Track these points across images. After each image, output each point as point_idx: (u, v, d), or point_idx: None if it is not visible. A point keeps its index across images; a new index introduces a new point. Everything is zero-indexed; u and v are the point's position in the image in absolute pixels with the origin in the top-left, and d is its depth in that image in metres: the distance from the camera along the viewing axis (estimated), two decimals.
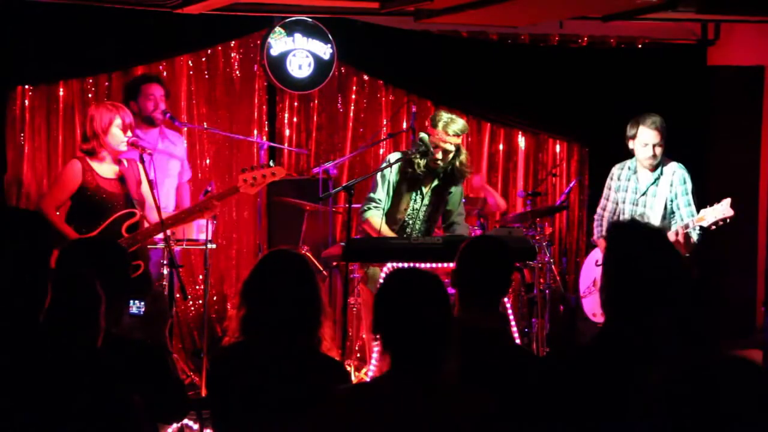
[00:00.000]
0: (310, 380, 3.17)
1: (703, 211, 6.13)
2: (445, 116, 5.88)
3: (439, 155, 5.84)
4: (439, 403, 2.70)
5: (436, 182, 6.00)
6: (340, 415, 2.72)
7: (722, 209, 6.03)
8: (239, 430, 3.32)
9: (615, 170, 6.49)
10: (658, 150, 6.21)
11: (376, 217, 5.90)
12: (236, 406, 3.30)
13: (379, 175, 5.95)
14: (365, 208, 5.94)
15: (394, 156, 6.00)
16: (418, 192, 5.98)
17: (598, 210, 6.59)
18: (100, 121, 5.48)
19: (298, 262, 3.44)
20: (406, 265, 5.52)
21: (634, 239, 2.83)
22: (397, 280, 2.92)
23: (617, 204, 6.43)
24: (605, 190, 6.54)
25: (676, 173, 6.29)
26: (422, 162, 5.86)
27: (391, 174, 5.93)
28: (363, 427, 2.68)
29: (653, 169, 6.26)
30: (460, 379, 2.80)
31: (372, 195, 5.95)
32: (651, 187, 6.28)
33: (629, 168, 6.38)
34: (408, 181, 5.94)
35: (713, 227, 6.10)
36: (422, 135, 5.91)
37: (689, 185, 6.30)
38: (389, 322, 2.80)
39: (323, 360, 3.32)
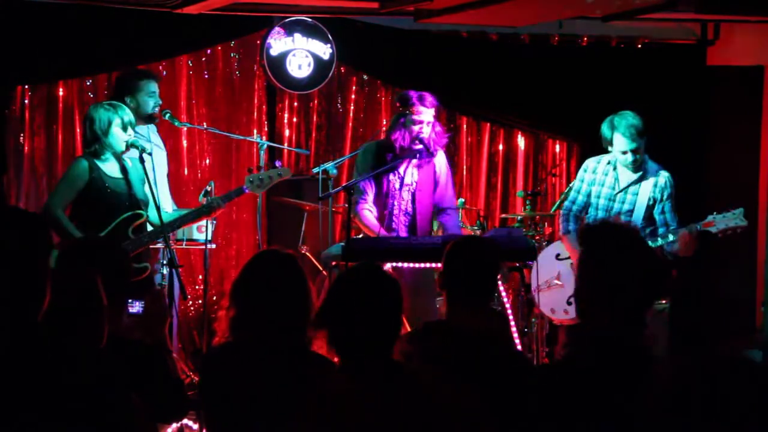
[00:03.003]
0: (299, 379, 3.16)
1: (712, 216, 5.96)
2: (415, 92, 6.02)
3: (420, 128, 5.91)
4: (387, 392, 2.70)
5: (414, 161, 6.01)
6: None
7: (736, 218, 5.90)
8: (231, 429, 3.32)
9: (591, 163, 6.25)
10: (639, 154, 6.03)
11: (362, 211, 5.95)
12: (227, 405, 3.30)
13: (356, 166, 6.06)
14: (355, 202, 5.91)
15: (370, 144, 6.12)
16: (396, 173, 6.00)
17: (567, 203, 6.32)
18: (99, 123, 5.45)
19: (288, 262, 3.44)
20: (407, 265, 5.53)
21: (614, 240, 2.82)
22: (341, 277, 2.99)
23: (589, 198, 6.19)
24: (577, 183, 6.28)
25: (662, 175, 6.13)
26: (400, 141, 5.90)
27: (367, 162, 5.96)
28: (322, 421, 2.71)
29: (637, 170, 6.11)
30: (415, 368, 2.81)
31: (354, 185, 5.93)
32: (632, 185, 6.10)
33: (608, 162, 6.16)
34: (386, 164, 5.96)
35: (721, 235, 5.96)
36: (399, 97, 6.06)
37: (673, 191, 6.15)
38: (333, 316, 2.84)
39: (314, 358, 3.32)
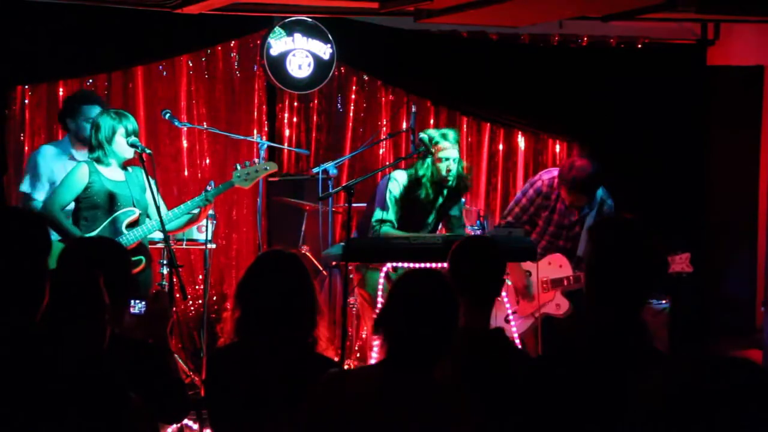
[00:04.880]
0: (305, 380, 3.17)
1: None
2: (436, 131, 5.98)
3: (449, 166, 5.88)
4: (427, 402, 2.70)
5: (440, 201, 6.02)
6: (322, 397, 2.75)
7: (682, 263, 5.85)
8: (236, 430, 3.32)
9: (545, 188, 6.18)
10: (581, 202, 6.06)
11: (391, 230, 5.88)
12: (232, 406, 3.30)
13: (388, 195, 5.93)
14: (377, 228, 5.88)
15: (400, 175, 5.99)
16: (424, 213, 5.99)
17: (510, 220, 6.27)
18: (104, 131, 5.51)
19: (292, 262, 3.44)
20: (406, 265, 5.53)
21: (636, 235, 2.88)
22: (409, 279, 2.97)
23: (532, 217, 6.18)
24: (525, 201, 6.23)
25: (606, 204, 6.14)
26: (429, 178, 5.87)
27: (399, 192, 5.93)
28: (343, 414, 2.71)
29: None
30: (454, 381, 2.82)
31: (384, 216, 5.86)
32: (580, 219, 6.11)
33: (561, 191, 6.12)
34: (415, 203, 5.94)
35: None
36: (421, 135, 5.95)
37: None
38: (395, 319, 2.83)
39: (318, 360, 3.32)
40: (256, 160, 5.99)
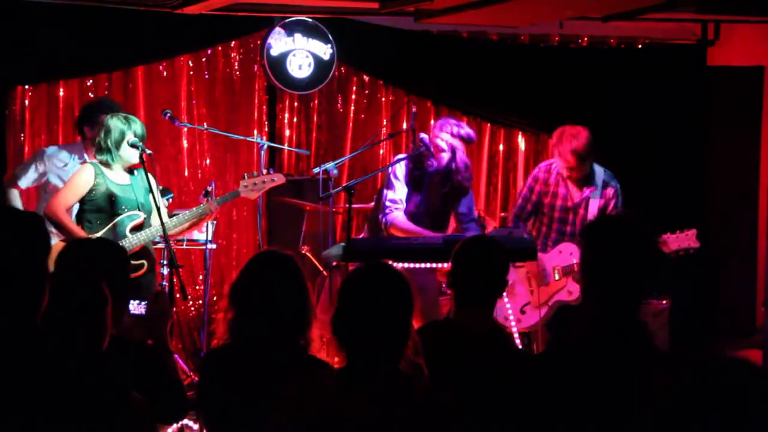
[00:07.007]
0: (297, 381, 3.15)
1: (665, 236, 5.87)
2: (451, 120, 6.04)
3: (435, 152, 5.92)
4: (391, 399, 2.67)
5: (439, 185, 6.03)
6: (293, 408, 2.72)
7: (688, 239, 5.82)
8: (228, 431, 3.31)
9: (541, 174, 6.20)
10: (581, 174, 6.05)
11: (400, 217, 5.92)
12: (225, 407, 3.30)
13: (392, 177, 5.99)
14: (386, 212, 5.92)
15: (400, 157, 6.07)
16: (422, 193, 6.01)
17: (516, 212, 6.30)
18: (113, 135, 5.50)
19: (286, 263, 3.42)
20: (407, 265, 5.53)
21: (631, 234, 2.87)
22: (357, 276, 2.84)
23: (538, 207, 6.19)
24: (526, 191, 6.25)
25: (611, 186, 6.12)
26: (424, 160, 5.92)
27: (402, 174, 5.98)
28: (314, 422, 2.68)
29: (581, 181, 6.10)
30: (424, 376, 2.78)
31: (392, 197, 5.92)
32: (583, 200, 6.10)
33: (558, 172, 6.13)
34: (413, 182, 5.97)
35: (673, 256, 5.85)
36: (422, 135, 5.97)
37: (620, 201, 6.13)
38: (346, 316, 2.74)
39: (311, 361, 3.31)
40: (264, 171, 6.00)
